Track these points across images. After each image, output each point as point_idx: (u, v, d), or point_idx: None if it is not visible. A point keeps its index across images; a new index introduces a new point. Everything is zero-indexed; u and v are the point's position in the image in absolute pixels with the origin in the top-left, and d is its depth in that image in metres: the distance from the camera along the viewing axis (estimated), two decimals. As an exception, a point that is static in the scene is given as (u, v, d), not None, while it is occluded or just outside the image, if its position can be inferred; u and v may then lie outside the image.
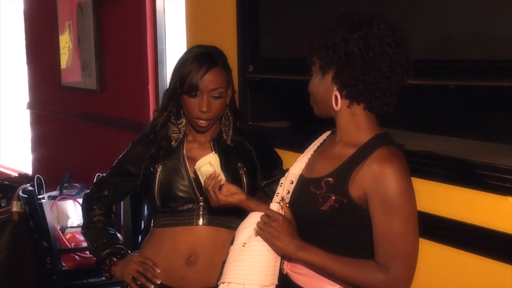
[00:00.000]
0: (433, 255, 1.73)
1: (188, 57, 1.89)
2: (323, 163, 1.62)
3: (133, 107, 3.79)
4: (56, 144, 4.97)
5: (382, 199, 1.48)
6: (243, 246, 1.63)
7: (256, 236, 1.62)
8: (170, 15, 3.56)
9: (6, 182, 4.63)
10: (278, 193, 1.71)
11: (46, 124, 5.12)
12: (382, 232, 1.49)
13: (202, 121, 1.88)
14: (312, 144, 1.75)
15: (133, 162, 1.97)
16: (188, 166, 1.92)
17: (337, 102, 1.55)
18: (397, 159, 1.50)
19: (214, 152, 1.87)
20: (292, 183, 1.68)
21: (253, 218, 1.66)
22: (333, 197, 1.52)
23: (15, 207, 3.40)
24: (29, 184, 3.73)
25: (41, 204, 3.17)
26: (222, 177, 1.79)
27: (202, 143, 1.97)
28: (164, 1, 3.55)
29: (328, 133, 1.75)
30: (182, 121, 1.96)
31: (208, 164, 1.80)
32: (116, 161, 2.05)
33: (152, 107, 3.58)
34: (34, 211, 3.20)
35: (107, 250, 2.00)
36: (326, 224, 1.55)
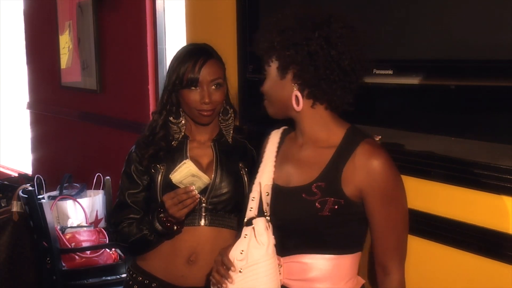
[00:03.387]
0: (433, 255, 1.73)
1: (183, 54, 1.92)
2: (301, 170, 1.59)
3: (133, 107, 3.78)
4: (56, 144, 4.97)
5: (381, 192, 1.49)
6: (240, 272, 1.55)
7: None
8: (170, 15, 3.56)
9: (6, 182, 4.64)
10: (252, 208, 1.63)
11: (46, 124, 5.12)
12: (383, 224, 1.51)
13: (205, 112, 1.89)
14: (267, 150, 1.70)
15: (136, 164, 1.96)
16: None
17: (298, 102, 1.53)
18: (382, 150, 1.51)
19: (187, 158, 1.88)
20: (268, 194, 1.62)
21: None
22: (331, 200, 1.51)
23: (15, 207, 3.40)
24: (29, 184, 3.73)
25: (41, 204, 3.17)
26: (204, 179, 1.83)
27: (202, 143, 1.98)
28: (164, 1, 3.55)
29: (277, 134, 1.71)
30: (181, 121, 1.96)
31: (190, 177, 1.82)
32: (122, 176, 2.00)
33: (152, 107, 3.58)
34: (34, 211, 3.20)
35: (151, 221, 1.88)
36: (327, 227, 1.54)
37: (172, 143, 1.96)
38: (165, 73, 3.52)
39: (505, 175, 1.54)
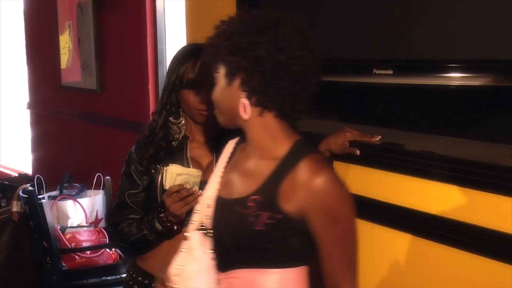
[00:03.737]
0: (433, 255, 1.73)
1: (183, 54, 1.93)
2: (243, 181, 1.51)
3: (133, 107, 3.79)
4: (56, 144, 4.97)
5: (325, 212, 1.40)
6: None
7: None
8: (170, 15, 3.56)
9: (6, 182, 4.64)
10: (195, 221, 1.57)
11: (46, 124, 5.12)
12: (330, 244, 1.42)
13: (205, 112, 1.89)
14: (220, 160, 1.63)
15: (136, 164, 1.97)
16: (191, 167, 1.92)
17: (246, 110, 1.45)
18: (325, 167, 1.43)
19: (187, 159, 1.89)
20: (209, 207, 1.55)
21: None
22: (265, 214, 1.43)
23: (15, 207, 3.40)
24: (29, 184, 3.73)
25: (41, 204, 3.17)
26: (193, 173, 1.85)
27: (202, 143, 1.98)
28: (164, 1, 3.55)
29: (232, 144, 1.66)
30: (181, 121, 1.97)
31: (179, 177, 1.82)
32: (121, 177, 2.00)
33: (152, 107, 3.58)
34: (34, 211, 3.20)
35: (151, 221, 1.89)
36: (263, 242, 1.46)
37: (172, 143, 1.96)
38: (165, 73, 3.52)
39: (506, 175, 1.54)
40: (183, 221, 1.86)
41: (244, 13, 1.48)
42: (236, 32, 1.43)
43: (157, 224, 1.86)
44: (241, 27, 1.43)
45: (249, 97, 1.44)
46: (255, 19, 1.43)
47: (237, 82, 1.45)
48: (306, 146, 1.48)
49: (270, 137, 1.49)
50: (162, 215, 1.85)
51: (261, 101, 1.44)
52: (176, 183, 1.82)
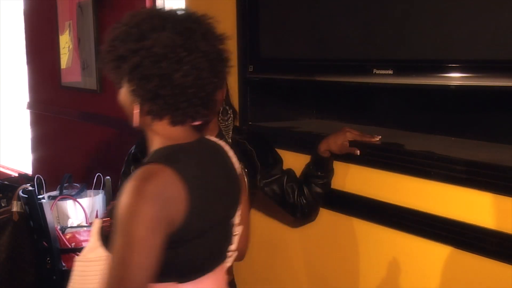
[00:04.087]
0: (433, 255, 1.73)
1: None
2: None
3: (133, 107, 3.78)
4: (56, 144, 4.97)
5: (116, 218, 1.27)
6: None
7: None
8: (170, 15, 3.56)
9: (6, 182, 4.63)
10: None
11: (46, 124, 5.12)
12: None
13: None
14: None
15: (136, 165, 1.97)
16: None
17: (135, 118, 1.38)
18: (144, 178, 1.27)
19: None
20: None
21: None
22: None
23: (15, 207, 3.40)
24: (29, 184, 3.73)
25: (41, 204, 3.17)
26: None
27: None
28: (164, 1, 3.55)
29: None
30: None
31: None
32: (121, 177, 2.00)
33: (152, 107, 3.57)
34: (34, 211, 3.20)
35: None
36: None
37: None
38: (165, 73, 3.54)
39: (506, 175, 1.54)
40: None
41: (133, 14, 1.37)
42: (118, 38, 1.34)
43: None
44: (124, 32, 1.34)
45: (141, 105, 1.36)
46: (140, 23, 1.33)
47: (129, 90, 1.37)
48: (160, 154, 1.35)
49: (150, 145, 1.41)
50: None
51: (152, 110, 1.35)
52: None
